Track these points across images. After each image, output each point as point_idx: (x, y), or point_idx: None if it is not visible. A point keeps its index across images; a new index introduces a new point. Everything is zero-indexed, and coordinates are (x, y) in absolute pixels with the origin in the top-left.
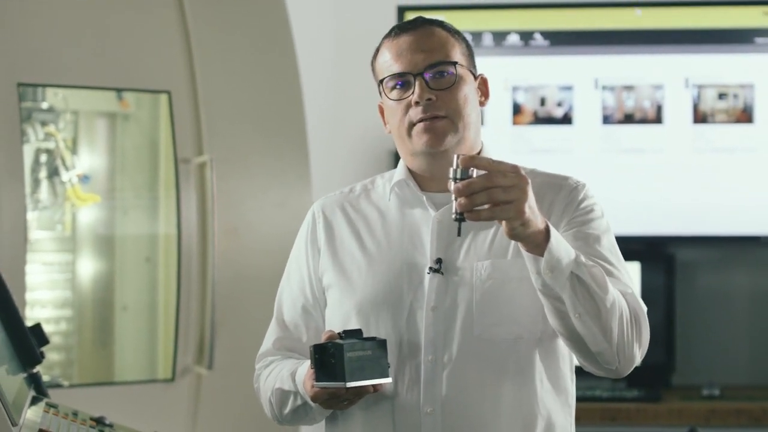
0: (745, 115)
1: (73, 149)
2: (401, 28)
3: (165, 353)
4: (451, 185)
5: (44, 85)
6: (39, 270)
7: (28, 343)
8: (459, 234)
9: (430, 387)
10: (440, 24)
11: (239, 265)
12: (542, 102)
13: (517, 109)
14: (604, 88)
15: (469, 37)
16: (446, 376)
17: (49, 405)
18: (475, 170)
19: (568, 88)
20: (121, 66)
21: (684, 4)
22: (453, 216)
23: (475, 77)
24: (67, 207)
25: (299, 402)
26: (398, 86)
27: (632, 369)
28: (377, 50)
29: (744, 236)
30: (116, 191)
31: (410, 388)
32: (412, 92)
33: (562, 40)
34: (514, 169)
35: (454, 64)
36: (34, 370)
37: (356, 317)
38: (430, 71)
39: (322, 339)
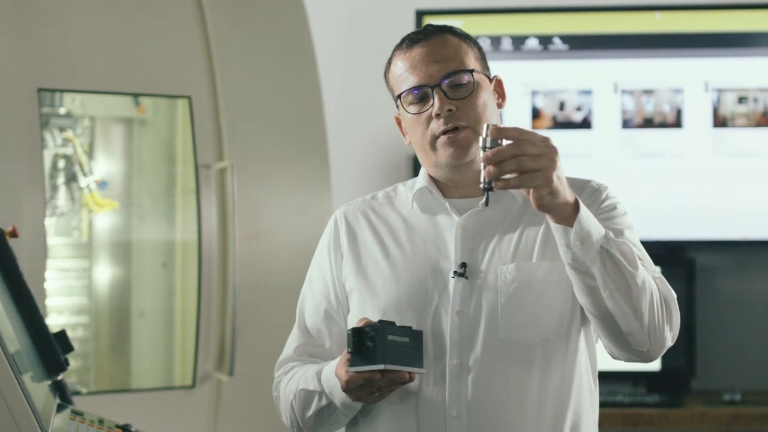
0: (765, 119)
1: (91, 155)
2: (412, 39)
3: (183, 360)
4: (480, 154)
5: (64, 91)
6: (56, 276)
7: (53, 351)
8: (486, 204)
9: (456, 391)
10: (450, 30)
11: (260, 271)
12: (561, 106)
13: (536, 114)
14: (623, 92)
15: (487, 42)
16: (472, 380)
17: (75, 412)
18: (504, 141)
19: (588, 93)
20: (141, 71)
21: (703, 8)
22: (481, 185)
23: (491, 80)
24: (84, 213)
25: (324, 403)
26: (416, 100)
27: (663, 352)
28: (389, 62)
29: (765, 241)
30: (133, 197)
31: (436, 393)
32: (432, 105)
33: (581, 44)
34: (544, 139)
35: (471, 71)
36: (59, 378)
37: None
38: (447, 81)
39: (357, 324)
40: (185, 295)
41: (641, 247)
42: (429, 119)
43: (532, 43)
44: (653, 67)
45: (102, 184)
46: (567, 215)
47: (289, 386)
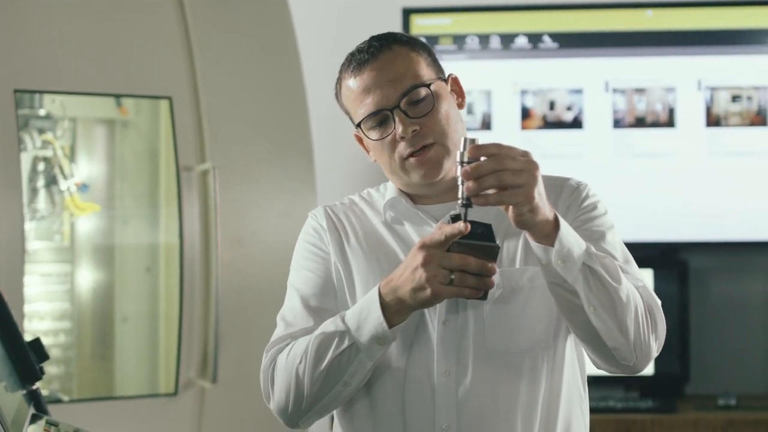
0: (759, 118)
1: (72, 157)
2: (359, 60)
3: (167, 366)
4: (458, 169)
5: (41, 92)
6: (37, 281)
7: (27, 360)
8: (465, 221)
9: (445, 402)
10: (396, 39)
11: (243, 275)
12: (551, 106)
13: (525, 114)
14: (614, 91)
15: (475, 40)
16: (461, 391)
17: (50, 423)
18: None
19: (578, 92)
20: (121, 72)
21: (696, 5)
22: (459, 202)
23: (446, 81)
24: (65, 216)
25: (345, 345)
26: (376, 124)
27: (649, 364)
28: (339, 84)
29: (759, 242)
30: (116, 200)
31: (424, 405)
32: (394, 128)
33: (571, 42)
34: (525, 153)
35: (428, 85)
36: (34, 387)
37: None
38: (405, 100)
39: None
40: (169, 300)
41: (625, 248)
42: (394, 142)
43: (522, 42)
44: (645, 66)
45: (83, 187)
46: (547, 233)
47: (295, 350)
